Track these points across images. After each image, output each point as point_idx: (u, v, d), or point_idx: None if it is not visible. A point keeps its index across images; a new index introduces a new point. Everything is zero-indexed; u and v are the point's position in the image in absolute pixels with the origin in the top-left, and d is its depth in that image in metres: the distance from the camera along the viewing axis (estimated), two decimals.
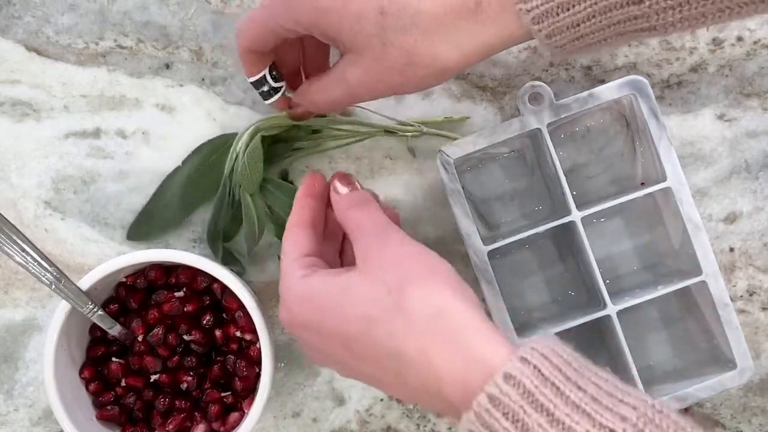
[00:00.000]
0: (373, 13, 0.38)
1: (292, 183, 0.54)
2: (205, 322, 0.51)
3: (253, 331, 0.50)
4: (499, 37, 0.38)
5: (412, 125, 0.52)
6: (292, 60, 0.46)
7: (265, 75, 0.44)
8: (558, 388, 0.32)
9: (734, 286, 0.54)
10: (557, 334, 0.49)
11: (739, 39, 0.53)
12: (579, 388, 0.32)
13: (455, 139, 0.50)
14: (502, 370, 0.32)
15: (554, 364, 0.33)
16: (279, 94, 0.46)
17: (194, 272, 0.51)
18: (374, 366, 0.37)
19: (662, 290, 0.49)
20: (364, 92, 0.42)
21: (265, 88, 0.45)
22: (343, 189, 0.43)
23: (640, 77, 0.49)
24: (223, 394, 0.52)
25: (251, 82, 0.45)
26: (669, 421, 0.31)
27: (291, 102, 0.46)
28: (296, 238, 0.42)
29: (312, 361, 0.44)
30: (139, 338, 0.51)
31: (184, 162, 0.53)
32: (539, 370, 0.32)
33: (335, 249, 0.46)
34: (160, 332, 0.51)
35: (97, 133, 0.55)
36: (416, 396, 0.37)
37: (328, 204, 0.44)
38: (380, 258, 0.38)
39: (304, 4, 0.39)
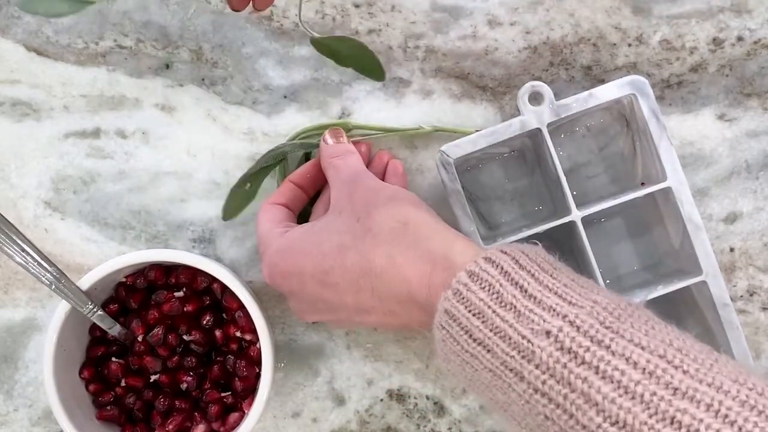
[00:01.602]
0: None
1: None
2: (205, 322, 0.51)
3: (253, 331, 0.50)
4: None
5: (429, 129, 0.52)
6: None
7: None
8: (532, 274, 0.34)
9: (734, 286, 0.54)
10: None
11: (740, 39, 0.53)
12: (552, 276, 0.34)
13: (469, 133, 0.50)
14: (467, 267, 0.34)
15: (527, 259, 0.35)
16: None
17: (194, 272, 0.51)
18: (353, 293, 0.39)
19: (662, 290, 0.49)
20: None
21: None
22: (330, 140, 0.48)
23: (640, 77, 0.49)
24: (223, 394, 0.52)
25: None
26: (640, 312, 0.32)
27: None
28: (273, 211, 0.47)
29: (300, 317, 0.46)
30: (139, 338, 0.51)
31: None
32: (512, 263, 0.34)
33: None
34: (160, 332, 0.51)
35: (96, 133, 0.55)
36: (393, 310, 0.38)
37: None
38: (351, 196, 0.42)
39: None
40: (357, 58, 0.47)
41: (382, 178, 0.50)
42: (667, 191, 0.49)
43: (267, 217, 0.47)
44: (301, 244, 0.42)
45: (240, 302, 0.49)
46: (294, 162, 0.54)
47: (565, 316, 0.31)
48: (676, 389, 0.28)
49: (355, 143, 0.50)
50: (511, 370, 0.32)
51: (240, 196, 0.52)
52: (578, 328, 0.31)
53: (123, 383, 0.52)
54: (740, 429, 0.27)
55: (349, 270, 0.39)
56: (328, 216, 0.42)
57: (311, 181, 0.50)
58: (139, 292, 0.52)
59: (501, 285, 0.33)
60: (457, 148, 0.49)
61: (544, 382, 0.30)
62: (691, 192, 0.49)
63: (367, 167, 0.48)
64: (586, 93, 0.49)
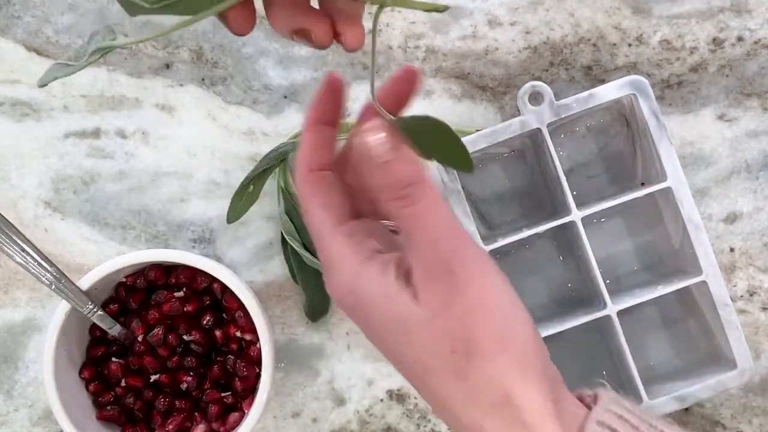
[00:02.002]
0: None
1: None
2: (205, 322, 0.51)
3: (253, 331, 0.50)
4: None
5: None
6: None
7: None
8: None
9: (734, 286, 0.54)
10: (557, 334, 0.49)
11: (740, 39, 0.53)
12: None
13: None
14: None
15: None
16: None
17: (194, 272, 0.51)
18: (426, 392, 0.33)
19: (662, 290, 0.49)
20: None
21: None
22: (378, 147, 0.30)
23: (640, 77, 0.49)
24: (223, 394, 0.52)
25: None
26: None
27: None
28: (324, 188, 0.33)
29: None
30: (139, 338, 0.51)
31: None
32: None
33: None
34: (160, 332, 0.51)
35: (96, 133, 0.55)
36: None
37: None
38: (450, 302, 0.30)
39: None
40: (442, 146, 0.32)
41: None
42: (667, 191, 0.49)
43: (320, 203, 0.33)
44: (377, 321, 0.32)
45: (240, 302, 0.49)
46: (294, 162, 0.54)
47: None
48: None
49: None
50: None
51: (243, 199, 0.52)
52: None
53: (123, 383, 0.52)
54: None
55: (430, 391, 0.32)
56: (415, 311, 0.31)
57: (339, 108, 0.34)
58: (139, 292, 0.52)
59: None
60: None
61: None
62: (691, 192, 0.49)
63: None
64: (586, 93, 0.49)
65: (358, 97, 0.54)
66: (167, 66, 0.55)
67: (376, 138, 0.29)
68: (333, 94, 0.33)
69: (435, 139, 0.31)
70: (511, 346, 0.31)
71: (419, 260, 0.31)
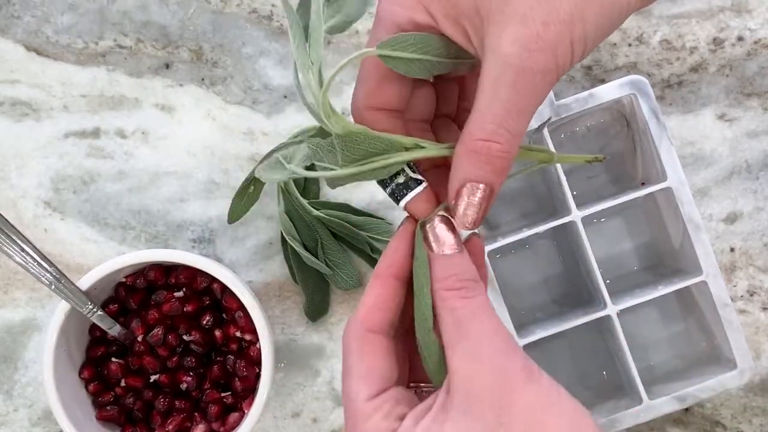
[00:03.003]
0: None
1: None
2: (204, 322, 0.51)
3: (253, 331, 0.50)
4: None
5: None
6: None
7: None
8: None
9: (735, 286, 0.54)
10: (557, 334, 0.49)
11: (740, 39, 0.53)
12: None
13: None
14: None
15: None
16: (418, 188, 0.31)
17: (194, 272, 0.51)
18: None
19: (662, 290, 0.49)
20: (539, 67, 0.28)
21: (401, 180, 0.31)
22: (441, 246, 0.31)
23: (640, 77, 0.49)
24: (222, 395, 0.52)
25: (380, 180, 0.32)
26: None
27: (453, 203, 0.31)
28: (373, 354, 0.31)
29: None
30: (139, 338, 0.51)
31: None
32: None
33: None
34: (160, 332, 0.51)
35: (96, 133, 0.55)
36: None
37: None
38: (505, 408, 0.27)
39: None
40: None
41: None
42: (668, 191, 0.49)
43: (361, 372, 0.31)
44: None
45: (240, 302, 0.49)
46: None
47: None
48: None
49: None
50: None
51: (243, 199, 0.52)
52: None
53: (123, 383, 0.52)
54: None
55: None
56: (461, 426, 0.28)
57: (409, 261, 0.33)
58: (139, 292, 0.52)
59: None
60: None
61: None
62: (691, 192, 0.49)
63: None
64: (586, 93, 0.49)
65: None
66: (167, 66, 0.55)
67: (442, 235, 0.31)
68: (410, 246, 0.32)
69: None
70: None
71: (468, 356, 0.28)
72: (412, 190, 0.31)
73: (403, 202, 0.31)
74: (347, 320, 0.32)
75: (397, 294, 0.32)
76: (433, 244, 0.31)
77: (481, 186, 0.29)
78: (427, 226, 0.31)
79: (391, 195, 0.32)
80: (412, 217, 0.32)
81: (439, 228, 0.31)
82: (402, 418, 0.29)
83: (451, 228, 0.31)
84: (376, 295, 0.31)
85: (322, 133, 0.30)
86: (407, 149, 0.31)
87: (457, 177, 0.30)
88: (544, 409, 0.27)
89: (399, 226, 0.33)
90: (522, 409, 0.27)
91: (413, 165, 0.32)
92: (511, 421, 0.27)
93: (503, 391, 0.28)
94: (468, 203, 0.30)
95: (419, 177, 0.31)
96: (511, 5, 0.27)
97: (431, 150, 0.31)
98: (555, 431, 0.27)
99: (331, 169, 0.31)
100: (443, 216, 0.31)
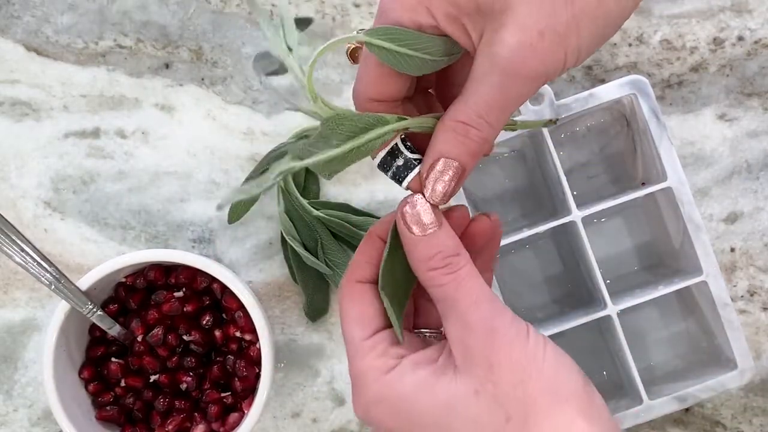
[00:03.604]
0: None
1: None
2: (204, 322, 0.51)
3: (253, 331, 0.50)
4: None
5: None
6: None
7: (397, 143, 0.32)
8: None
9: (735, 286, 0.54)
10: (557, 334, 0.49)
11: (740, 39, 0.53)
12: None
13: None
14: None
15: None
16: (417, 168, 0.32)
17: (194, 272, 0.51)
18: None
19: (662, 290, 0.49)
20: (533, 61, 0.29)
21: (400, 162, 0.32)
22: (423, 225, 0.31)
23: (640, 77, 0.49)
24: (222, 395, 0.52)
25: (379, 164, 0.32)
26: None
27: (424, 174, 0.32)
28: (360, 300, 0.33)
29: None
30: (139, 338, 0.51)
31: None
32: None
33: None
34: (160, 332, 0.51)
35: (96, 133, 0.55)
36: None
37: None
38: (494, 366, 0.30)
39: None
40: None
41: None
42: (668, 191, 0.49)
43: (353, 315, 0.33)
44: (418, 415, 0.30)
45: (240, 302, 0.49)
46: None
47: None
48: None
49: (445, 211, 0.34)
50: None
51: (243, 199, 0.52)
52: None
53: (123, 383, 0.52)
54: None
55: None
56: (458, 387, 0.30)
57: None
58: (139, 292, 0.52)
59: None
60: None
61: None
62: (691, 192, 0.49)
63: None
64: (586, 93, 0.49)
65: None
66: (167, 66, 0.55)
67: (421, 212, 0.31)
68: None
69: None
70: (570, 397, 0.30)
71: (459, 324, 0.31)
72: (412, 169, 0.32)
73: (405, 183, 0.32)
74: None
75: (381, 250, 0.33)
76: (414, 227, 0.31)
77: (455, 164, 0.31)
78: (405, 208, 0.32)
79: (394, 178, 0.32)
80: None
81: (418, 206, 0.31)
82: (399, 358, 0.32)
83: (429, 204, 0.31)
84: (362, 251, 0.34)
85: (304, 136, 0.31)
86: (392, 123, 0.31)
87: (433, 150, 0.31)
88: (528, 365, 0.30)
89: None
90: (508, 366, 0.30)
91: (411, 145, 0.33)
92: (499, 377, 0.30)
93: (492, 351, 0.30)
94: (439, 178, 0.31)
95: (418, 156, 0.32)
96: (512, 9, 0.28)
97: (415, 121, 0.32)
98: (538, 385, 0.30)
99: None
100: (420, 195, 0.32)
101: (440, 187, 0.31)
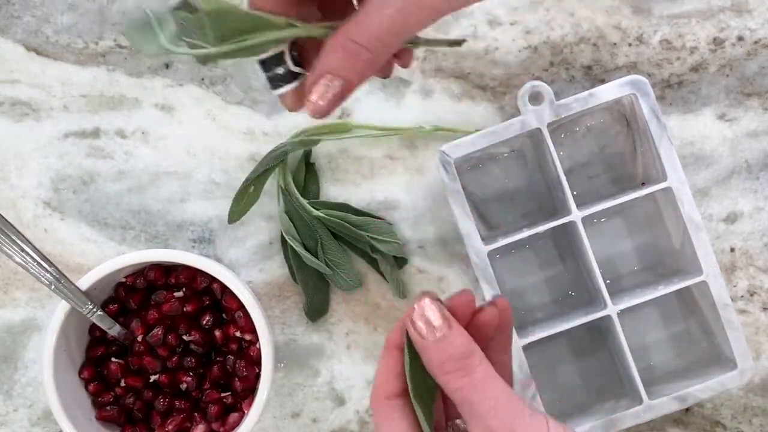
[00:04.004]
0: None
1: (313, 164, 0.54)
2: (204, 322, 0.51)
3: (253, 331, 0.50)
4: None
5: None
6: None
7: (283, 51, 0.32)
8: None
9: (735, 286, 0.54)
10: (557, 334, 0.49)
11: (740, 39, 0.53)
12: None
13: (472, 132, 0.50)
14: None
15: None
16: (296, 82, 0.32)
17: (194, 272, 0.51)
18: None
19: (662, 290, 0.49)
20: (415, 9, 0.30)
21: (280, 71, 0.32)
22: (421, 324, 0.31)
23: (640, 77, 0.49)
24: (222, 395, 0.52)
25: (261, 61, 0.32)
26: None
27: (309, 88, 0.32)
28: (392, 416, 0.33)
29: None
30: (139, 338, 0.51)
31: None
32: None
33: None
34: (160, 332, 0.51)
35: (96, 133, 0.55)
36: None
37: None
38: None
39: None
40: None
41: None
42: (668, 191, 0.49)
43: None
44: None
45: (240, 302, 0.49)
46: (294, 162, 0.54)
47: None
48: None
49: (454, 299, 0.33)
50: None
51: (244, 200, 0.52)
52: None
53: (123, 383, 0.52)
54: None
55: None
56: None
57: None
58: (139, 292, 0.52)
59: None
60: (457, 148, 0.49)
61: None
62: (691, 192, 0.49)
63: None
64: (586, 93, 0.49)
65: (358, 97, 0.54)
66: (167, 66, 0.55)
67: (429, 318, 0.31)
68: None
69: None
70: None
71: (481, 428, 0.30)
72: (289, 83, 0.32)
73: (279, 92, 0.32)
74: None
75: (401, 360, 0.33)
76: (423, 333, 0.31)
77: (340, 81, 0.31)
78: (413, 315, 0.31)
79: (270, 82, 0.32)
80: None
81: (426, 311, 0.31)
82: None
83: (436, 306, 0.31)
84: (384, 366, 0.34)
85: (186, 6, 0.28)
86: (279, 29, 0.30)
87: (322, 64, 0.31)
88: None
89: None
90: None
91: (295, 55, 0.32)
92: None
93: None
94: (323, 93, 0.31)
95: (300, 71, 0.32)
96: None
97: (302, 30, 0.31)
98: None
99: (201, 47, 0.30)
100: (427, 298, 0.31)
101: (323, 102, 0.31)
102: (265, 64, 0.32)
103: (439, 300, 0.32)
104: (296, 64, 0.32)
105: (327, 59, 0.30)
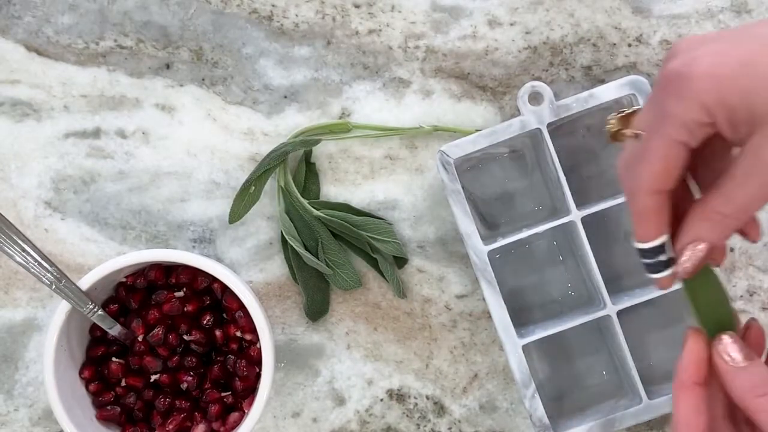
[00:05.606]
0: None
1: (313, 164, 0.54)
2: (205, 322, 0.51)
3: (254, 331, 0.50)
4: None
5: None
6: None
7: (665, 242, 0.35)
8: None
9: (734, 286, 0.54)
10: (557, 334, 0.49)
11: None
12: None
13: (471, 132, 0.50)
14: None
15: None
16: (672, 267, 0.36)
17: (194, 272, 0.51)
18: None
19: (662, 290, 0.49)
20: None
21: (663, 258, 0.36)
22: (738, 358, 0.35)
23: (640, 77, 0.49)
24: (223, 394, 0.52)
25: (643, 249, 0.36)
26: None
27: (678, 252, 0.35)
28: (702, 407, 0.36)
29: None
30: (139, 338, 0.52)
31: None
32: None
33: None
34: (160, 332, 0.51)
35: (96, 133, 0.55)
36: None
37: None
38: None
39: (701, 82, 0.32)
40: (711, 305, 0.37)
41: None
42: None
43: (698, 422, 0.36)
44: None
45: (240, 302, 0.49)
46: (294, 162, 0.54)
47: None
48: None
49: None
50: None
51: (244, 200, 0.53)
52: None
53: (123, 383, 0.52)
54: None
55: None
56: None
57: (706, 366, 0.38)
58: (139, 292, 0.52)
59: None
60: (457, 148, 0.49)
61: None
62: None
63: None
64: (586, 93, 0.49)
65: (358, 97, 0.54)
66: (167, 66, 0.55)
67: (737, 348, 0.35)
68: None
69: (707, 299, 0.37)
70: None
71: None
72: (667, 268, 0.36)
73: (659, 276, 0.36)
74: None
75: (704, 399, 0.36)
76: (733, 359, 0.35)
77: (706, 246, 0.34)
78: (719, 347, 0.35)
79: (648, 267, 0.36)
80: (695, 334, 0.37)
81: (731, 347, 0.35)
82: None
83: (738, 342, 0.35)
84: (685, 407, 0.37)
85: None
86: None
87: (689, 233, 0.35)
88: None
89: (684, 342, 0.37)
90: None
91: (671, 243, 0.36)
92: None
93: None
94: (691, 256, 0.35)
95: (673, 255, 0.36)
96: None
97: None
98: None
99: None
100: (730, 337, 0.35)
101: (690, 264, 0.35)
102: (646, 253, 0.36)
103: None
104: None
105: (695, 228, 0.34)
